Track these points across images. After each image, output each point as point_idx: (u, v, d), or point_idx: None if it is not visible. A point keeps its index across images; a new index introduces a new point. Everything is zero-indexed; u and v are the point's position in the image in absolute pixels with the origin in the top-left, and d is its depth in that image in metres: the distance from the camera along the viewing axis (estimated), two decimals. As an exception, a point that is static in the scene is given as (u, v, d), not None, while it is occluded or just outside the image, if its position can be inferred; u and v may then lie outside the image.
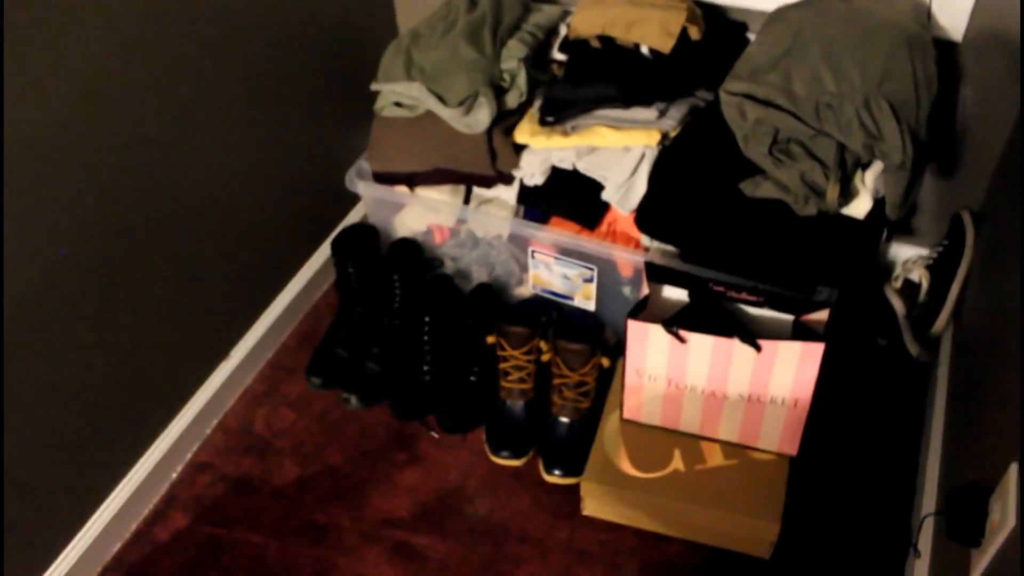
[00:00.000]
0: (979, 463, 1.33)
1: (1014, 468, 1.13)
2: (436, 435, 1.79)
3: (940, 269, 1.87)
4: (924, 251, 1.99)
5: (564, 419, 1.70)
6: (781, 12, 1.64)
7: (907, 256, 2.02)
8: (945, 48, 1.72)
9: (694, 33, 1.68)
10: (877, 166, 1.53)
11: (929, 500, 1.57)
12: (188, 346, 1.74)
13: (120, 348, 1.56)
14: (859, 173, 1.53)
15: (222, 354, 1.85)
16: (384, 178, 1.86)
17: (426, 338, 1.78)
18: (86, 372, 1.50)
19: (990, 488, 1.21)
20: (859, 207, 1.53)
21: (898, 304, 1.91)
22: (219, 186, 1.70)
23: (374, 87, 1.79)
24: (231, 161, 1.72)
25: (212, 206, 1.70)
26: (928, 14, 1.67)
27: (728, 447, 1.61)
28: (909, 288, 1.94)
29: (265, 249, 1.89)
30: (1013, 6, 1.64)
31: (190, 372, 1.77)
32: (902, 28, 1.56)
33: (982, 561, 1.13)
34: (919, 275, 1.91)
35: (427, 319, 1.77)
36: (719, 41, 1.75)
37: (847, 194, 1.50)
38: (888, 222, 1.59)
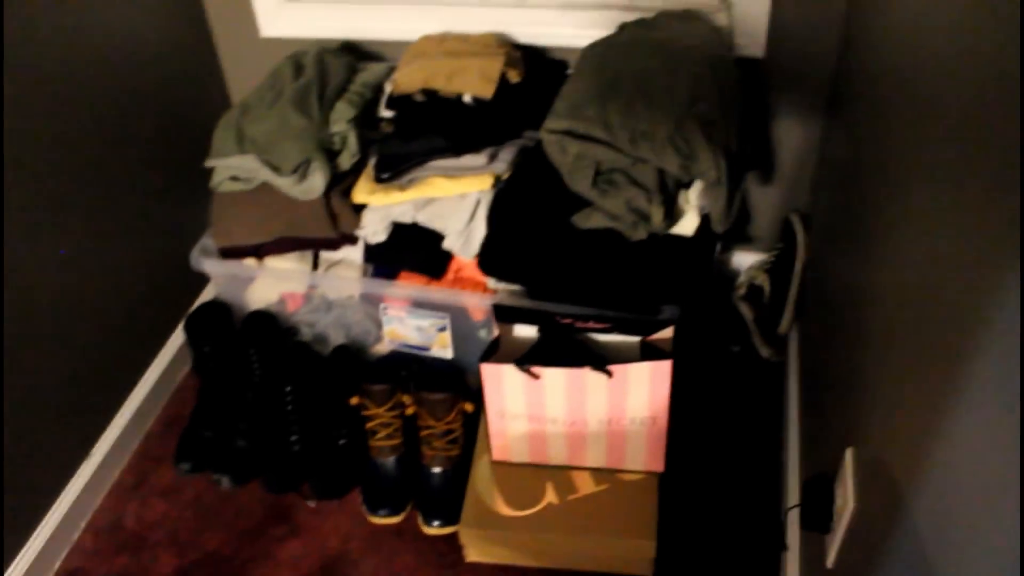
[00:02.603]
0: (825, 452, 1.40)
1: (849, 453, 1.19)
2: (312, 503, 1.77)
3: (779, 271, 1.96)
4: (763, 256, 2.09)
5: (436, 469, 1.71)
6: (592, 48, 1.71)
7: (749, 263, 2.11)
8: (751, 65, 1.82)
9: (514, 76, 1.73)
10: (699, 184, 1.60)
11: (794, 494, 1.63)
12: (44, 450, 1.68)
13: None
14: (683, 193, 1.60)
15: (82, 453, 1.80)
16: (230, 253, 1.84)
17: (290, 407, 1.77)
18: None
19: (834, 475, 1.27)
20: (687, 225, 1.59)
21: (746, 310, 1.99)
22: (57, 279, 1.66)
23: (208, 164, 1.78)
24: (68, 252, 1.68)
25: (52, 301, 1.65)
26: (730, 36, 1.77)
27: (598, 473, 1.64)
28: (754, 293, 2.02)
29: (115, 340, 1.85)
30: (804, 21, 1.75)
31: (49, 476, 1.71)
32: (706, 52, 1.64)
33: (834, 545, 1.19)
34: (761, 280, 1.99)
35: (288, 388, 1.76)
36: (541, 81, 1.81)
37: (673, 215, 1.57)
38: (720, 235, 1.66)
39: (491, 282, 1.72)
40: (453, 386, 1.69)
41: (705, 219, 1.62)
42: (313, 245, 1.80)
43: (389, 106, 1.81)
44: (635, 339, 1.60)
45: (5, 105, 1.50)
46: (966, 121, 0.84)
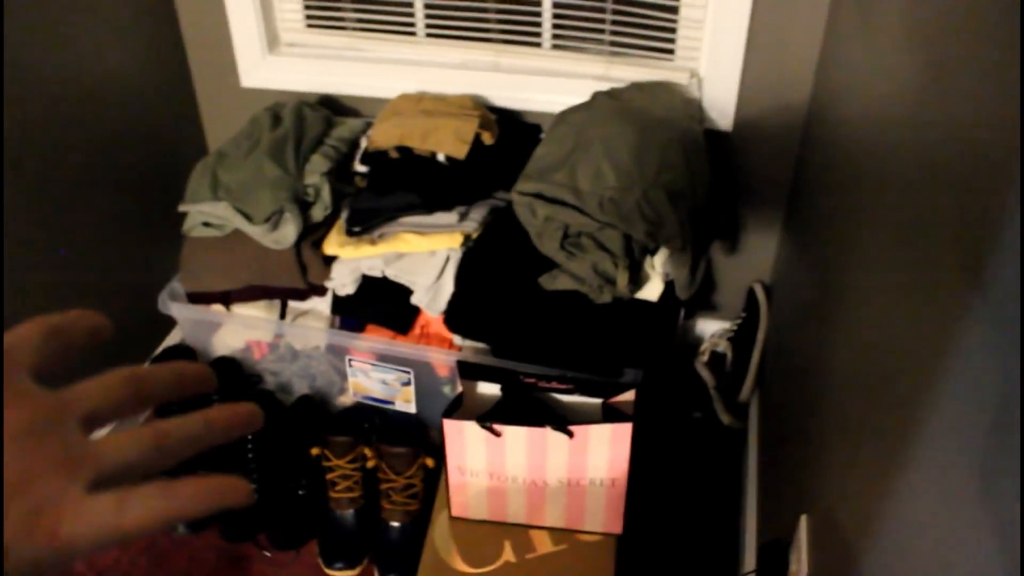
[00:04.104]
0: (781, 519, 1.42)
1: (804, 519, 1.21)
2: (268, 554, 1.76)
3: (741, 340, 1.99)
4: (726, 324, 2.12)
5: (395, 523, 1.71)
6: (564, 115, 1.76)
7: (712, 330, 2.15)
8: (718, 138, 1.87)
9: (487, 138, 1.77)
10: (664, 251, 1.64)
11: (751, 559, 1.65)
12: None
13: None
14: (648, 259, 1.64)
15: (37, 495, 1.77)
16: (198, 298, 1.85)
17: (250, 455, 1.76)
18: None
19: (789, 541, 1.29)
20: (651, 291, 1.63)
21: (707, 376, 2.02)
22: (22, 314, 1.66)
23: (182, 208, 1.79)
24: (32, 290, 1.68)
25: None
26: (699, 108, 1.82)
27: (556, 533, 1.65)
28: (716, 360, 2.05)
29: (77, 380, 1.84)
30: (771, 98, 1.81)
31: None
32: (675, 123, 1.69)
33: (786, 613, 1.20)
34: (724, 347, 2.02)
35: (250, 436, 1.75)
36: (514, 144, 1.85)
37: (638, 280, 1.60)
38: (684, 301, 1.69)
39: (457, 339, 1.74)
40: (415, 440, 1.70)
41: (670, 285, 1.65)
42: (281, 294, 1.81)
43: (364, 161, 1.84)
44: (597, 401, 1.62)
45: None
46: (915, 202, 0.88)
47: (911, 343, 0.83)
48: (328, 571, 1.70)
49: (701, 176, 1.65)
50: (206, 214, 1.77)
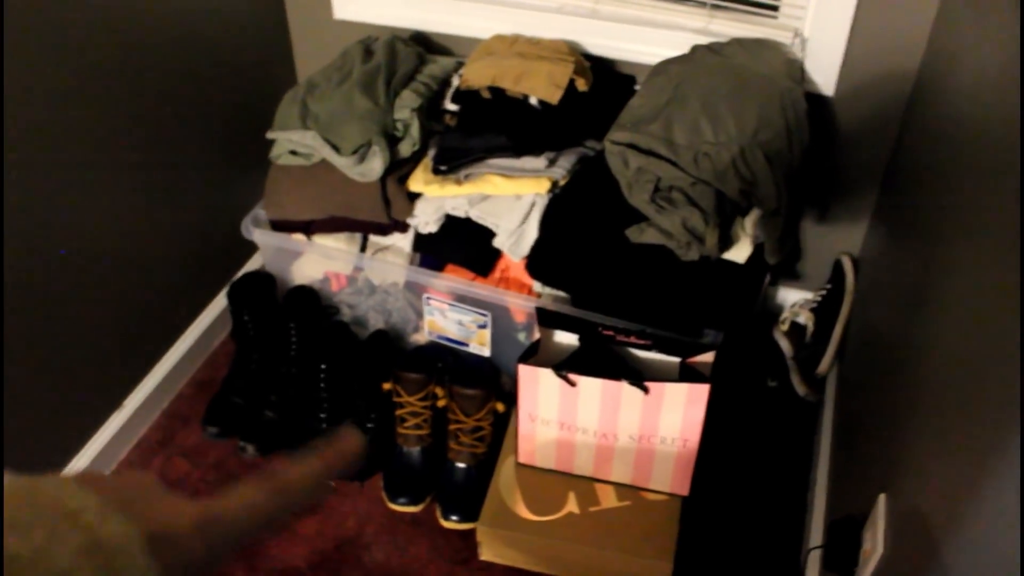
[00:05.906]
0: (855, 496, 1.39)
1: (882, 498, 1.18)
2: (333, 483, 1.78)
3: (824, 312, 1.95)
4: (809, 294, 2.07)
5: (461, 464, 1.71)
6: (663, 66, 1.71)
7: (794, 299, 2.10)
8: (818, 102, 1.80)
9: (581, 85, 1.73)
10: (756, 213, 1.59)
11: (816, 534, 1.62)
12: (78, 397, 1.70)
13: (5, 396, 1.52)
14: (739, 220, 1.60)
15: (114, 404, 1.81)
16: (280, 226, 1.86)
17: (323, 385, 1.78)
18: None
19: (863, 519, 1.26)
20: (740, 252, 1.59)
21: (786, 346, 1.97)
22: (111, 234, 1.68)
23: (270, 135, 1.79)
24: (124, 209, 1.70)
25: (103, 254, 1.67)
26: (801, 70, 1.76)
27: (621, 488, 1.64)
28: (796, 330, 2.01)
29: (160, 298, 1.87)
30: (877, 64, 1.74)
31: (80, 423, 1.73)
32: (775, 82, 1.64)
33: (856, 590, 1.18)
34: (805, 318, 1.98)
35: (323, 367, 1.77)
36: (607, 93, 1.81)
37: (727, 240, 1.56)
38: (770, 266, 1.65)
39: (537, 285, 1.72)
40: (487, 384, 1.69)
41: (758, 248, 1.61)
42: (364, 228, 1.81)
43: (455, 100, 1.82)
44: (675, 359, 1.60)
45: (76, 67, 1.52)
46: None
47: (1010, 327, 0.79)
48: (391, 505, 1.71)
49: (800, 139, 1.59)
50: (294, 142, 1.77)
